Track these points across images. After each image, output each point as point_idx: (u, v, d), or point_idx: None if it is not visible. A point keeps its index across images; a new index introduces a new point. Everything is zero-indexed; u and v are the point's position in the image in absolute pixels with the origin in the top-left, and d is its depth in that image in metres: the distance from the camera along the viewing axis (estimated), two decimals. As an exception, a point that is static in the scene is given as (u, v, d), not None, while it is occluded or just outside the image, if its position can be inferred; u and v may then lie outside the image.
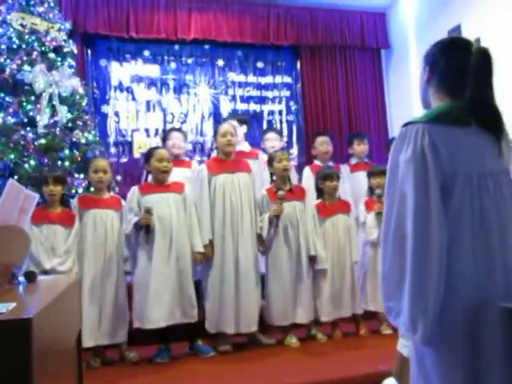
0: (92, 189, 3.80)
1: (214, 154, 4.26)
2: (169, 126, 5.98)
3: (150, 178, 3.57)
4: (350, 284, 3.78)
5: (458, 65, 1.42)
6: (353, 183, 4.58)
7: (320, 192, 3.90)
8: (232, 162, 3.68)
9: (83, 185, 4.06)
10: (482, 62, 1.39)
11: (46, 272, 3.17)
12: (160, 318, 3.29)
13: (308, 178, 4.48)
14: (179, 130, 4.50)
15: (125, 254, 3.46)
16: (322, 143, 4.63)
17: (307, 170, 4.60)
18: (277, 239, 3.64)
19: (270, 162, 3.77)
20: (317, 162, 4.66)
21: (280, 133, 5.31)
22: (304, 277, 3.66)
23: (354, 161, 4.80)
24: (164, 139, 4.28)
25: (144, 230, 3.33)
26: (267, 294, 3.66)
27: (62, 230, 3.34)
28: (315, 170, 4.37)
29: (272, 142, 4.63)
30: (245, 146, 4.39)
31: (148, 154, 3.55)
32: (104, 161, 3.59)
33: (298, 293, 3.63)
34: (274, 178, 3.79)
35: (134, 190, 3.47)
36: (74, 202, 3.48)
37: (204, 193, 3.55)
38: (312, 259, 3.71)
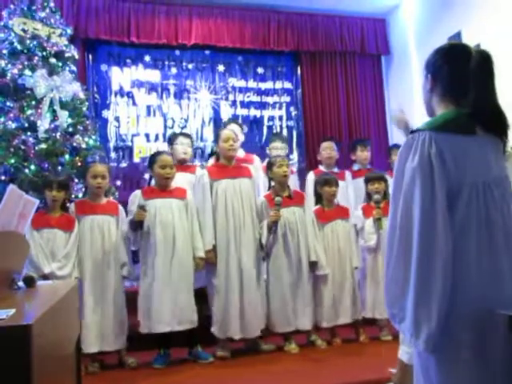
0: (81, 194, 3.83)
1: (212, 160, 4.27)
2: (169, 131, 5.99)
3: (153, 182, 3.58)
4: (350, 290, 3.77)
5: (461, 71, 1.41)
6: (355, 189, 4.59)
7: (319, 197, 3.90)
8: (233, 167, 3.69)
9: (83, 189, 4.05)
10: (481, 65, 1.39)
11: (45, 277, 3.17)
12: (165, 322, 3.31)
13: (311, 183, 4.49)
14: (187, 134, 4.50)
15: (122, 260, 3.46)
16: (326, 148, 4.65)
17: (311, 175, 4.61)
18: (276, 245, 3.64)
19: (270, 167, 3.77)
20: (321, 168, 4.67)
21: (285, 139, 5.28)
22: (305, 283, 3.66)
23: (356, 167, 4.81)
24: (171, 143, 4.27)
25: (139, 225, 3.35)
26: (268, 300, 3.66)
27: (61, 234, 3.34)
28: (318, 175, 4.39)
29: (279, 151, 4.56)
30: (240, 152, 4.39)
31: (151, 159, 3.55)
32: (103, 166, 3.57)
33: (299, 299, 3.63)
34: (273, 183, 3.79)
35: (137, 194, 3.50)
36: (71, 208, 3.48)
37: (206, 198, 3.56)
38: (312, 265, 3.71)
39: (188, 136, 4.38)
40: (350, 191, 4.46)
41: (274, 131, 6.45)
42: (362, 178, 4.52)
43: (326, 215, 3.83)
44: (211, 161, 4.29)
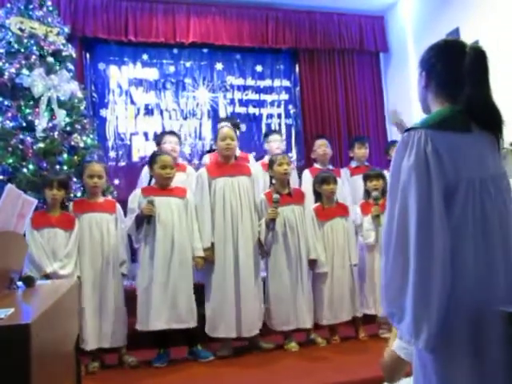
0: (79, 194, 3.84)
1: (206, 158, 4.27)
2: (168, 130, 5.98)
3: (153, 181, 3.58)
4: (349, 287, 3.78)
5: (455, 68, 1.40)
6: (353, 186, 4.60)
7: (318, 196, 3.90)
8: (232, 165, 3.69)
9: (81, 188, 4.04)
10: (476, 62, 1.38)
11: (47, 276, 3.18)
12: (162, 321, 3.30)
13: (307, 181, 4.50)
14: (174, 133, 4.50)
15: (121, 258, 3.46)
16: (320, 145, 4.67)
17: (306, 173, 4.62)
18: (276, 243, 3.63)
19: (271, 165, 3.77)
20: (316, 165, 4.68)
21: (281, 134, 5.37)
22: (305, 280, 3.66)
23: (354, 164, 4.82)
24: (158, 143, 4.27)
25: (146, 220, 3.34)
26: (267, 299, 3.66)
27: (62, 233, 3.35)
28: (314, 173, 4.39)
29: (277, 143, 4.65)
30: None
31: (151, 159, 3.55)
32: (99, 165, 3.57)
33: (299, 297, 3.62)
34: (274, 181, 3.79)
35: (137, 192, 3.50)
36: (70, 207, 3.48)
37: (205, 196, 3.56)
38: (312, 263, 3.71)
39: (175, 134, 4.38)
40: (346, 188, 4.47)
41: (273, 129, 6.45)
42: (360, 175, 4.56)
43: (326, 213, 3.83)
44: (207, 158, 4.29)
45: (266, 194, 3.73)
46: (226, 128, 3.76)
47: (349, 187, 4.57)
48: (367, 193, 3.96)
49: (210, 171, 3.63)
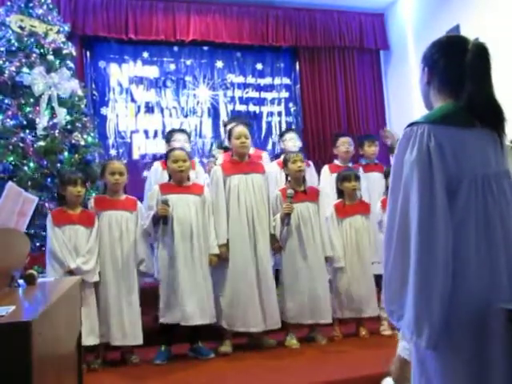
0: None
1: (221, 154, 4.27)
2: (168, 128, 5.98)
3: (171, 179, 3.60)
4: (371, 284, 3.79)
5: (457, 64, 1.38)
6: (367, 183, 4.59)
7: (341, 193, 3.93)
8: (246, 163, 3.72)
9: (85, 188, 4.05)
10: (478, 57, 1.37)
11: (71, 272, 3.21)
12: (192, 315, 3.33)
13: (326, 177, 4.52)
14: (183, 130, 4.52)
15: (140, 256, 3.47)
16: (344, 143, 4.69)
17: (325, 169, 4.64)
18: (290, 239, 3.68)
19: (285, 163, 3.81)
20: (336, 162, 4.71)
21: (296, 131, 5.37)
22: (321, 277, 3.68)
23: (363, 162, 4.83)
24: (168, 140, 4.29)
25: (161, 221, 3.36)
26: (282, 293, 3.68)
27: (83, 229, 3.36)
28: (333, 170, 4.42)
29: (294, 141, 4.67)
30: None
31: (166, 157, 3.61)
32: (120, 163, 3.61)
33: (315, 292, 3.64)
34: (289, 178, 3.83)
35: (155, 189, 3.52)
36: (91, 203, 3.50)
37: (220, 194, 3.59)
38: (328, 259, 3.75)
39: (184, 132, 4.41)
40: (363, 186, 4.49)
41: (273, 127, 6.46)
42: (371, 173, 4.57)
43: (346, 210, 3.86)
44: (220, 156, 4.29)
45: (281, 190, 3.77)
46: (240, 126, 3.78)
47: (365, 184, 4.56)
48: (388, 189, 3.96)
49: (225, 169, 3.67)
